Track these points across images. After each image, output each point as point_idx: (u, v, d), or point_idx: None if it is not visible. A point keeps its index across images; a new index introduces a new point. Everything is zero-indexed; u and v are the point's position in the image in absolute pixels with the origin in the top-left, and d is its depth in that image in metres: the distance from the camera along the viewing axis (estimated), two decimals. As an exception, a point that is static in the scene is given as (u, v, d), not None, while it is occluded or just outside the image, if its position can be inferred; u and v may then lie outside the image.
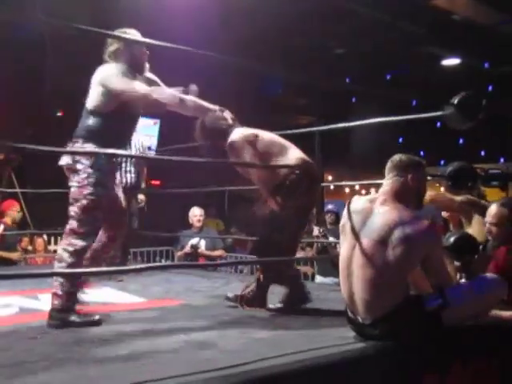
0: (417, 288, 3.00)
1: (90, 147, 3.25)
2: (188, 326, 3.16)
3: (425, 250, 2.75)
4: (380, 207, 2.78)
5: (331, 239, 5.77)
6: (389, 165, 2.90)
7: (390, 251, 2.66)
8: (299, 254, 7.95)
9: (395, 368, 2.65)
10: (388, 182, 2.86)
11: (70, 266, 3.16)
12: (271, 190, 3.65)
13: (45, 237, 8.21)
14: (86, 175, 3.23)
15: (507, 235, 3.36)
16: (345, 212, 2.93)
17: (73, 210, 3.24)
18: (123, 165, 5.20)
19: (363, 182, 7.35)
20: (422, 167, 2.94)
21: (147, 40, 3.28)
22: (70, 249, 3.18)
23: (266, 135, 3.79)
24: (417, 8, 8.42)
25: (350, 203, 2.91)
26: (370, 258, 2.69)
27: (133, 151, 5.19)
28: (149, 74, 3.55)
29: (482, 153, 12.25)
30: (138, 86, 3.33)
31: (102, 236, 3.48)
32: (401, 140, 12.91)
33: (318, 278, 6.27)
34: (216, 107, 3.64)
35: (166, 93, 3.42)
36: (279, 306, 3.63)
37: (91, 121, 3.33)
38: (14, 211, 7.19)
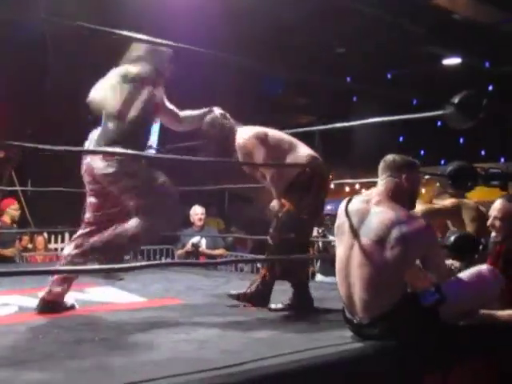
0: (413, 286, 3.01)
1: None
2: (188, 325, 3.16)
3: (422, 248, 2.77)
4: (376, 207, 2.79)
5: (331, 238, 5.77)
6: (382, 165, 2.90)
7: (387, 251, 2.67)
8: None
9: (395, 368, 2.65)
10: (382, 183, 2.86)
11: None
12: (285, 190, 3.63)
13: (45, 235, 8.22)
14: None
15: (510, 230, 3.37)
16: (340, 213, 2.92)
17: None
18: None
19: (363, 180, 7.33)
20: (415, 168, 2.95)
21: (147, 38, 3.28)
22: None
23: (275, 132, 3.78)
24: (417, 7, 8.43)
25: (347, 204, 2.90)
26: (368, 257, 2.69)
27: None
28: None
29: (483, 152, 12.24)
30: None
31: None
32: (401, 139, 12.91)
33: (319, 277, 6.26)
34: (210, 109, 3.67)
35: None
36: (280, 306, 3.61)
37: (117, 125, 3.34)
38: (13, 210, 7.19)
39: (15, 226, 7.33)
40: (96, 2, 6.88)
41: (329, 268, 5.84)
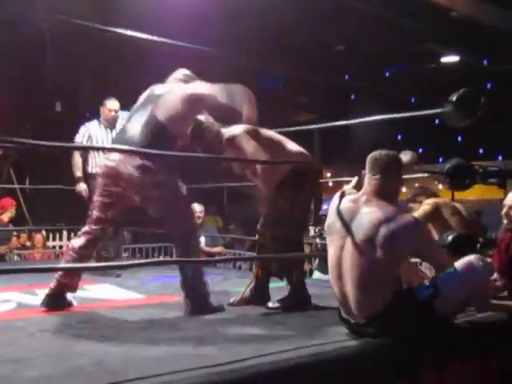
0: (409, 281, 3.02)
1: None
2: (186, 322, 3.16)
3: (412, 243, 2.78)
4: (365, 207, 2.78)
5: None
6: (370, 163, 2.88)
7: (377, 250, 2.67)
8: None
9: (392, 364, 2.66)
10: (371, 182, 2.85)
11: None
12: (276, 186, 3.63)
13: (43, 233, 8.22)
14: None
15: None
16: (331, 212, 2.92)
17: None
18: None
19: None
20: (400, 164, 2.96)
21: (146, 36, 3.28)
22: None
23: (265, 130, 3.78)
24: (416, 5, 8.42)
25: (338, 203, 2.91)
26: (358, 258, 2.70)
27: None
28: None
29: (481, 150, 12.26)
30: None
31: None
32: (400, 137, 12.92)
33: (317, 274, 6.27)
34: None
35: None
36: (278, 305, 3.61)
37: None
38: (13, 210, 7.22)
39: (11, 224, 7.34)
40: (95, 2, 6.88)
41: (326, 266, 5.85)
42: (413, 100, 8.68)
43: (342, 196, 2.93)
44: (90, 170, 5.26)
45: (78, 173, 5.28)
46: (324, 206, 6.38)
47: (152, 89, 3.59)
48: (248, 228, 8.89)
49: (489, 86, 11.71)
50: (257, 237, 3.79)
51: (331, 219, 2.90)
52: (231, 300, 3.69)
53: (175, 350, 2.55)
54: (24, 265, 6.23)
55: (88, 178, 5.27)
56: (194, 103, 3.45)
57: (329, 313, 3.24)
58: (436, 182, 8.39)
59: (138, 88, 3.71)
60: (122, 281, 4.67)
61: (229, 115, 3.60)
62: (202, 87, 3.48)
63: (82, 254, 3.42)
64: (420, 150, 12.29)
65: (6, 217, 7.11)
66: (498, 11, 8.52)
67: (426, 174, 4.90)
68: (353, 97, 12.94)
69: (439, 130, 8.68)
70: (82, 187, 5.26)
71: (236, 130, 3.70)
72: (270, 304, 3.60)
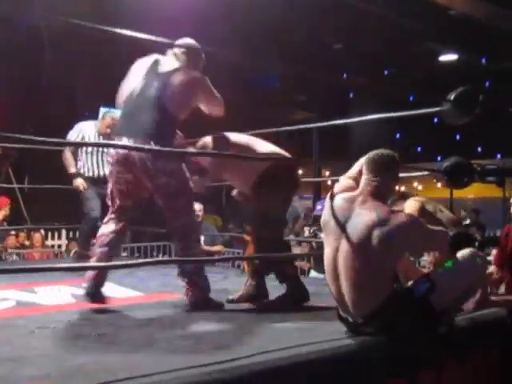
0: (406, 277, 3.03)
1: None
2: (185, 320, 3.17)
3: (408, 241, 2.79)
4: (360, 208, 2.78)
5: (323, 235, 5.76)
6: (369, 164, 2.88)
7: (372, 251, 2.67)
8: (296, 250, 7.96)
9: (390, 363, 2.66)
10: (370, 183, 2.85)
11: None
12: (253, 187, 3.64)
13: (42, 232, 8.22)
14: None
15: None
16: (326, 210, 2.92)
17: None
18: (99, 156, 5.24)
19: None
20: (398, 164, 2.96)
21: (146, 36, 3.28)
22: None
23: (234, 134, 3.78)
24: (414, 4, 8.43)
25: (332, 201, 2.90)
26: (353, 260, 2.70)
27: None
28: None
29: (479, 149, 12.28)
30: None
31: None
32: (398, 136, 12.93)
33: (313, 273, 6.27)
34: None
35: None
36: (274, 300, 3.61)
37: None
38: (7, 208, 7.22)
39: (5, 223, 7.34)
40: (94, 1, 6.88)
41: (322, 266, 5.84)
42: (411, 98, 8.69)
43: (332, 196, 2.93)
44: (86, 174, 5.27)
45: (72, 169, 5.26)
46: (318, 207, 6.41)
47: (152, 63, 3.54)
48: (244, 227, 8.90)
49: (487, 84, 11.72)
50: (244, 236, 3.82)
51: (326, 217, 2.90)
52: (230, 297, 3.70)
53: (173, 349, 2.55)
54: (23, 264, 6.23)
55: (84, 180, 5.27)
56: (195, 88, 3.47)
57: (327, 311, 3.24)
58: (434, 181, 8.41)
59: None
60: (120, 279, 4.66)
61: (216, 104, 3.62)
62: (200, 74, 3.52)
63: (113, 239, 3.49)
64: (418, 149, 12.33)
65: (0, 215, 7.10)
66: (496, 10, 8.54)
67: (425, 172, 4.91)
68: (351, 95, 12.94)
69: (437, 128, 8.70)
70: (78, 182, 5.23)
71: (206, 140, 3.71)
72: (266, 300, 3.62)
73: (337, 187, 3.00)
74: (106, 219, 3.60)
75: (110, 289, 4.27)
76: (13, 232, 7.86)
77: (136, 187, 3.47)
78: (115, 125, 5.11)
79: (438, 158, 10.19)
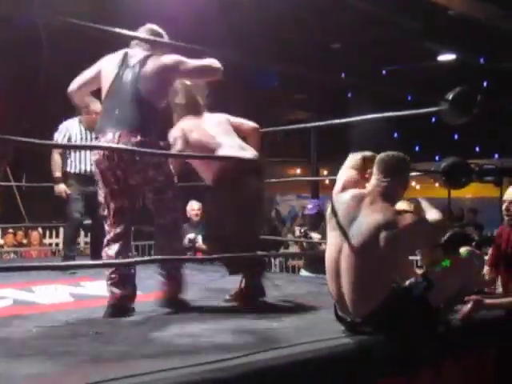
0: (404, 275, 3.03)
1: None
2: (183, 319, 3.17)
3: (412, 242, 2.83)
4: (367, 209, 2.77)
5: (314, 235, 5.73)
6: (380, 164, 2.88)
7: (376, 254, 2.68)
8: (292, 249, 7.95)
9: (389, 362, 2.66)
10: (380, 184, 2.84)
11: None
12: (213, 189, 3.64)
13: (40, 230, 8.21)
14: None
15: None
16: (334, 203, 2.90)
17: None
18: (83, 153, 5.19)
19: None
20: (408, 165, 2.97)
21: (145, 36, 3.29)
22: None
23: (195, 131, 3.70)
24: (413, 3, 8.43)
25: (336, 197, 2.90)
26: (357, 259, 2.70)
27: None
28: None
29: (477, 148, 12.28)
30: None
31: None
32: (396, 135, 12.93)
33: (303, 273, 6.26)
34: None
35: None
36: (228, 297, 3.67)
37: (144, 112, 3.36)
38: None
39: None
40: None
41: (314, 265, 5.82)
42: (409, 98, 8.69)
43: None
44: (69, 169, 5.25)
45: (58, 173, 5.24)
46: (309, 206, 6.39)
47: (122, 56, 3.49)
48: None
49: (485, 84, 11.72)
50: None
51: (331, 213, 2.89)
52: (227, 296, 3.70)
53: (170, 347, 2.55)
54: (21, 262, 6.23)
55: (67, 177, 5.26)
56: (166, 72, 3.42)
57: (325, 310, 3.24)
58: (432, 180, 8.42)
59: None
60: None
61: (208, 73, 3.55)
62: (170, 57, 3.44)
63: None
64: (416, 148, 12.33)
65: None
66: (494, 10, 8.54)
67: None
68: (349, 95, 12.93)
69: (436, 128, 8.70)
70: (61, 188, 5.22)
71: (174, 132, 3.71)
72: (227, 297, 3.67)
73: (342, 178, 2.98)
74: (105, 241, 3.47)
75: (106, 288, 4.28)
76: (10, 230, 7.86)
77: (127, 184, 3.38)
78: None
79: (436, 158, 10.19)
